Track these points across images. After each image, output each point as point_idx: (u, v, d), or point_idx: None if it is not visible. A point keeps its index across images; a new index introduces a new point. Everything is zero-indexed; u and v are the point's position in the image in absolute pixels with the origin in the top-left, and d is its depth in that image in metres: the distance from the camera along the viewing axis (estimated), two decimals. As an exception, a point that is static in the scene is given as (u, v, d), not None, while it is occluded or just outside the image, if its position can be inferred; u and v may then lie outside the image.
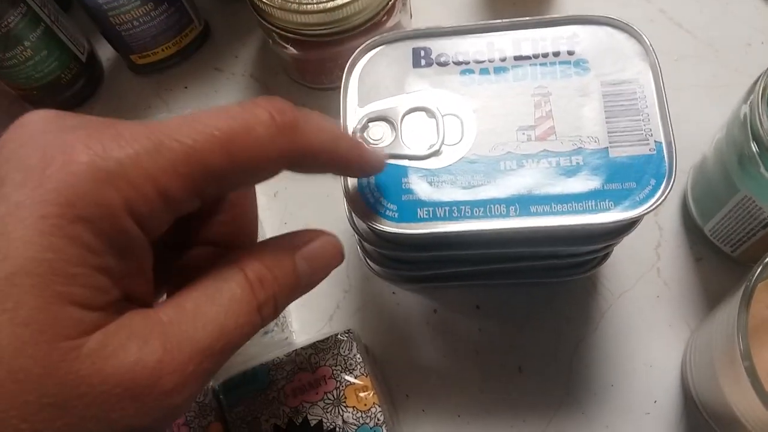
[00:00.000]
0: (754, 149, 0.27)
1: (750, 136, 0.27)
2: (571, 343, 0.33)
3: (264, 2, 0.34)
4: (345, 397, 0.29)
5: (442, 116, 0.26)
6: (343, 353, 0.30)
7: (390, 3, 0.36)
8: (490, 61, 0.27)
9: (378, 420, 0.29)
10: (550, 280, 0.33)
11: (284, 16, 0.34)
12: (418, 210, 0.25)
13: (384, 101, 0.27)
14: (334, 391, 0.29)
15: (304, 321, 0.36)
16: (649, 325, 0.34)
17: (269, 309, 0.19)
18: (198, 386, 0.18)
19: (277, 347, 0.32)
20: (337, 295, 0.36)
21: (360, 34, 0.35)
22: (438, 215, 0.25)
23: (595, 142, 0.25)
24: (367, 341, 0.34)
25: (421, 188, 0.25)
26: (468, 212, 0.25)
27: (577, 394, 0.32)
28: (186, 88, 0.43)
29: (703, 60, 0.40)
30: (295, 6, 0.34)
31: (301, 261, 0.20)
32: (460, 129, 0.26)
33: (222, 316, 0.18)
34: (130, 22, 0.38)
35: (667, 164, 0.24)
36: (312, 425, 0.29)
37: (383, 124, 0.27)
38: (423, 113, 0.27)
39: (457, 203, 0.25)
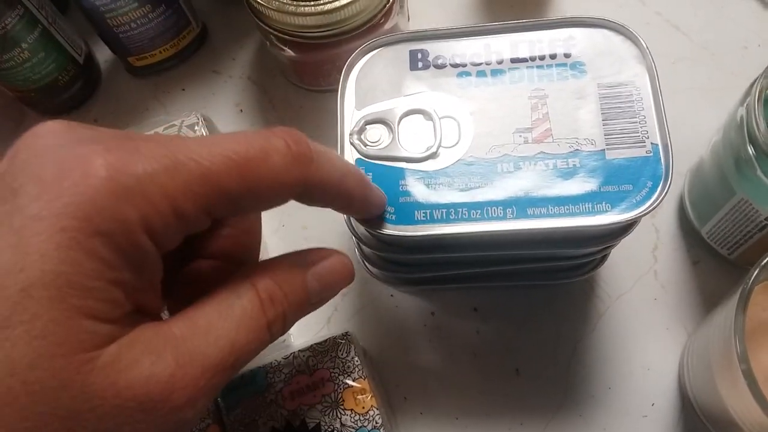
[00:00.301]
0: (750, 152, 0.27)
1: (746, 138, 0.27)
2: (569, 346, 0.33)
3: (261, 4, 0.34)
4: (343, 400, 0.29)
5: (439, 118, 0.26)
6: (341, 356, 0.30)
7: (387, 5, 0.36)
8: (487, 64, 0.27)
9: (376, 423, 0.29)
10: (548, 282, 0.33)
11: (282, 19, 0.34)
12: (416, 212, 0.25)
13: (381, 103, 0.27)
14: (332, 394, 0.29)
15: (302, 323, 0.35)
16: (647, 328, 0.34)
17: (278, 326, 0.20)
18: (208, 400, 0.18)
19: (275, 350, 0.32)
20: (334, 297, 0.36)
21: (357, 36, 0.35)
22: (435, 217, 0.25)
23: (592, 144, 0.25)
24: (365, 344, 0.34)
25: (418, 190, 0.25)
26: (465, 214, 0.25)
27: (574, 397, 0.32)
28: (183, 90, 0.43)
29: (700, 63, 0.40)
30: (292, 8, 0.34)
31: (312, 279, 0.21)
32: (457, 131, 0.26)
33: (233, 333, 0.18)
34: (127, 24, 0.38)
35: (663, 166, 0.25)
36: (310, 428, 0.29)
37: (380, 126, 0.27)
38: (420, 115, 0.27)
39: (455, 205, 0.25)
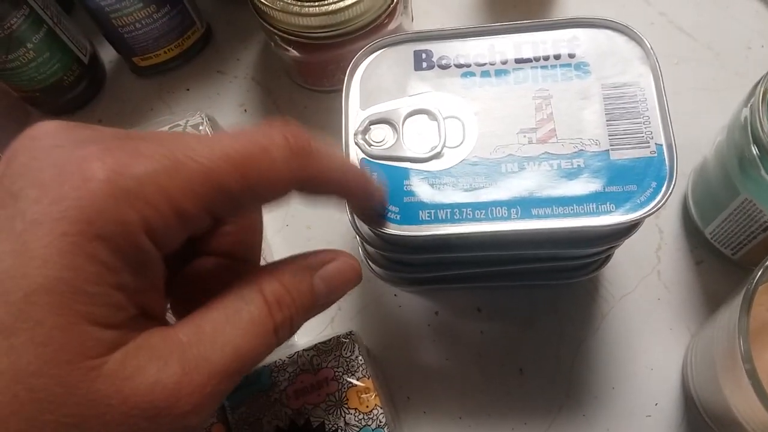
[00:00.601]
0: (754, 152, 0.27)
1: (750, 139, 0.27)
2: (573, 346, 0.34)
3: (266, 5, 0.34)
4: (347, 399, 0.29)
5: (444, 119, 0.27)
6: (345, 355, 0.30)
7: (391, 6, 0.36)
8: (491, 64, 0.28)
9: (380, 422, 0.29)
10: (551, 282, 0.33)
11: (286, 19, 0.35)
12: (420, 212, 0.25)
13: (386, 104, 0.27)
14: (336, 393, 0.29)
15: (306, 323, 0.36)
16: (650, 328, 0.34)
17: (286, 330, 0.20)
18: (214, 406, 0.18)
19: (279, 349, 0.32)
20: (338, 297, 0.36)
21: (362, 36, 0.35)
22: (439, 217, 0.25)
23: (596, 144, 0.25)
24: (369, 343, 0.34)
25: (422, 190, 0.25)
26: (469, 214, 0.25)
27: (578, 397, 0.32)
28: (188, 90, 0.43)
29: (704, 63, 0.40)
30: (297, 9, 0.34)
31: (319, 282, 0.21)
32: (461, 131, 0.26)
33: (240, 339, 0.18)
34: (132, 24, 0.39)
35: (667, 167, 0.25)
36: (314, 427, 0.29)
37: (385, 126, 0.27)
38: (424, 116, 0.27)
39: (459, 205, 0.25)
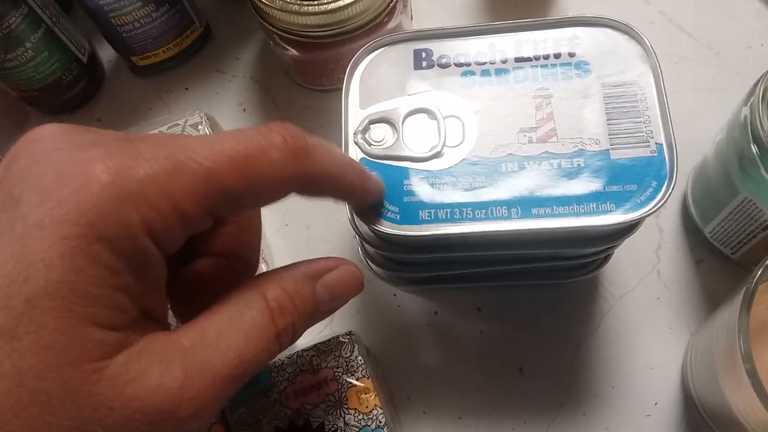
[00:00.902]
0: (754, 151, 0.27)
1: (750, 138, 0.27)
2: (572, 345, 0.33)
3: (265, 3, 0.34)
4: (346, 399, 0.29)
5: (444, 118, 0.26)
6: (344, 355, 0.30)
7: (391, 5, 0.36)
8: (491, 63, 0.27)
9: (379, 422, 0.29)
10: (551, 281, 0.33)
11: (285, 18, 0.35)
12: (420, 212, 0.25)
13: (385, 103, 0.27)
14: (336, 393, 0.29)
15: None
16: (650, 327, 0.34)
17: (287, 336, 0.20)
18: (216, 410, 0.18)
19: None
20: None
21: (361, 35, 0.35)
22: (439, 217, 0.25)
23: (596, 144, 0.25)
24: (368, 343, 0.34)
25: (422, 190, 0.25)
26: (469, 214, 0.25)
27: (578, 396, 0.32)
28: (187, 89, 0.43)
29: (704, 62, 0.40)
30: (296, 7, 0.34)
31: (321, 289, 0.21)
32: (461, 131, 0.26)
33: (242, 344, 0.18)
34: (131, 23, 0.38)
35: (668, 166, 0.25)
36: (314, 427, 0.29)
37: (385, 125, 0.27)
38: (424, 115, 0.27)
39: (459, 205, 0.25)
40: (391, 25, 0.37)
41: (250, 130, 0.19)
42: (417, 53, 0.28)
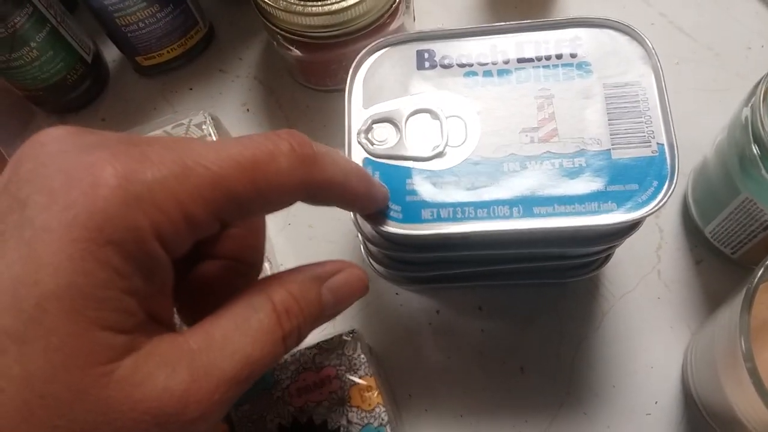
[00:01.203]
0: (755, 151, 0.27)
1: (751, 138, 0.27)
2: (573, 344, 0.34)
3: (269, 4, 0.34)
4: (349, 397, 0.29)
5: (446, 118, 0.27)
6: (347, 353, 0.30)
7: (394, 5, 0.36)
8: (493, 64, 0.28)
9: (382, 420, 0.29)
10: (553, 281, 0.33)
11: (289, 18, 0.35)
12: (422, 211, 0.25)
13: (388, 103, 0.27)
14: (339, 391, 0.29)
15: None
16: (651, 327, 0.34)
17: (293, 339, 0.20)
18: (221, 413, 0.18)
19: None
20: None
21: (364, 36, 0.36)
22: (442, 216, 0.25)
23: (598, 144, 0.25)
24: (371, 341, 0.34)
25: (425, 189, 0.26)
26: (472, 213, 0.25)
27: (578, 395, 0.33)
28: (191, 89, 0.43)
29: (704, 63, 0.40)
30: (299, 8, 0.34)
31: (327, 292, 0.21)
32: (463, 131, 0.26)
33: (249, 347, 0.18)
34: (135, 23, 0.39)
35: (669, 166, 0.25)
36: (317, 425, 0.29)
37: (387, 125, 0.27)
38: (427, 115, 0.27)
39: (461, 204, 0.25)
40: (394, 25, 0.37)
41: (258, 135, 0.19)
42: (420, 54, 0.28)
